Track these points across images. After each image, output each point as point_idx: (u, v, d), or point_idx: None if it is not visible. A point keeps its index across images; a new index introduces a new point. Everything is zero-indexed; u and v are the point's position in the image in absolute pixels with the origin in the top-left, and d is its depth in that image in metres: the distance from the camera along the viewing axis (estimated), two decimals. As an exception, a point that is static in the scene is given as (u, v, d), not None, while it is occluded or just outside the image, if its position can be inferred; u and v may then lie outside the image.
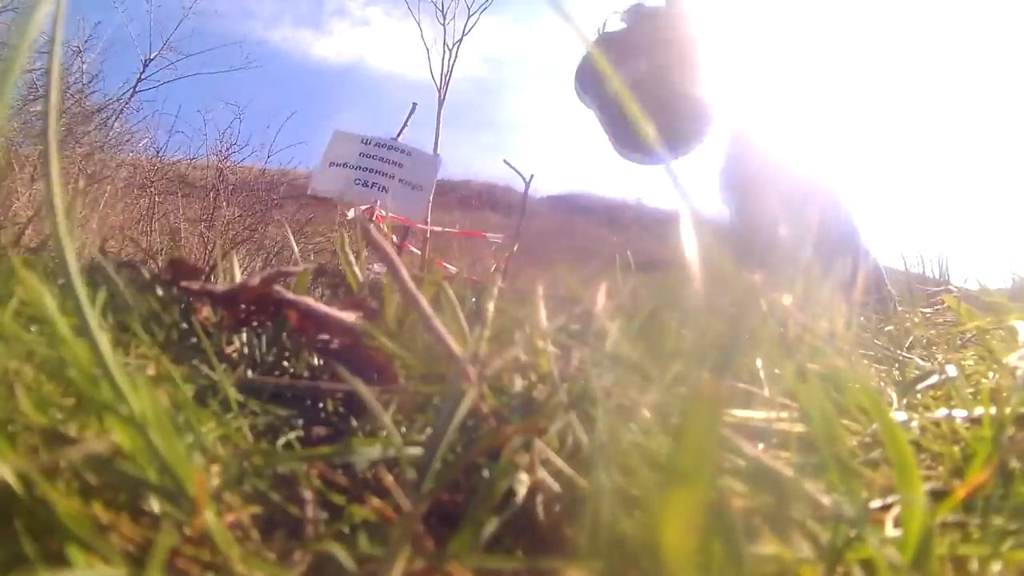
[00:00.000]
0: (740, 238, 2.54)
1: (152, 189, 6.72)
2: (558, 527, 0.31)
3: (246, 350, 0.56)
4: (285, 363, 0.54)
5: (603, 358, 0.46)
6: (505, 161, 3.28)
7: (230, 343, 0.56)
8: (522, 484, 0.32)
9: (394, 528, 0.27)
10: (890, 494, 0.34)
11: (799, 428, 0.39)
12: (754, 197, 2.57)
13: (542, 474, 0.33)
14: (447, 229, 3.58)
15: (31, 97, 5.33)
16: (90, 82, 7.40)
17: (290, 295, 0.51)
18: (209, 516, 0.26)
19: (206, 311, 0.63)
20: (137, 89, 8.21)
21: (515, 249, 2.82)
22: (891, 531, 0.30)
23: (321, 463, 0.33)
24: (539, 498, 0.32)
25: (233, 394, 0.41)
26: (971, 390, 0.56)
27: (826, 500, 0.28)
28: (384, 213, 0.84)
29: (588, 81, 2.61)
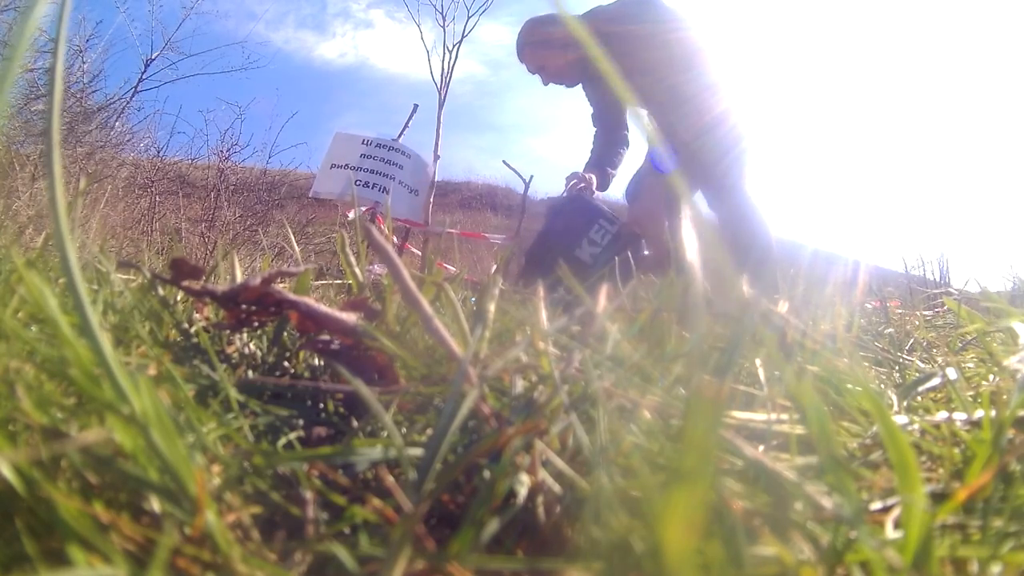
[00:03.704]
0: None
1: (153, 189, 6.72)
2: (559, 528, 0.31)
3: (247, 350, 0.56)
4: (286, 363, 0.55)
5: (604, 360, 0.46)
6: (504, 162, 3.31)
7: (231, 343, 0.56)
8: (523, 485, 0.32)
9: (395, 528, 0.27)
10: (891, 496, 0.34)
11: (799, 430, 0.39)
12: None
13: (543, 475, 0.33)
14: (448, 230, 3.58)
15: (32, 96, 5.34)
16: (91, 81, 7.41)
17: (291, 295, 0.51)
18: (210, 516, 0.26)
19: (207, 311, 0.63)
20: (138, 89, 8.22)
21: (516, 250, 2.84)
22: (892, 533, 0.30)
23: (322, 463, 0.33)
24: (540, 499, 0.32)
25: (234, 394, 0.41)
26: (971, 393, 0.56)
27: (826, 502, 0.28)
28: (385, 213, 0.84)
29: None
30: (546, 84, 2.85)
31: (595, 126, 2.98)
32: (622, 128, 2.94)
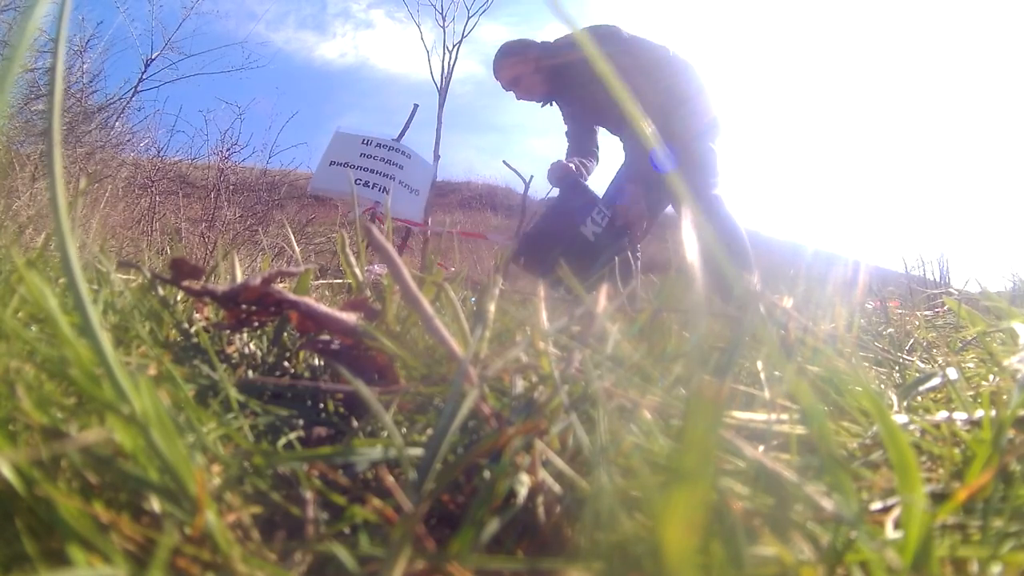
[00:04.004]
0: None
1: (153, 189, 6.72)
2: (559, 528, 0.31)
3: (247, 350, 0.56)
4: (286, 363, 0.55)
5: (604, 360, 0.46)
6: (505, 163, 3.40)
7: (231, 343, 0.56)
8: (523, 485, 0.32)
9: (395, 528, 0.27)
10: (891, 496, 0.34)
11: (799, 430, 0.39)
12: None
13: (543, 475, 0.33)
14: (448, 229, 3.59)
15: (32, 96, 5.34)
16: (91, 81, 7.42)
17: (291, 295, 0.51)
18: (210, 516, 0.26)
19: (207, 311, 0.63)
20: (138, 89, 8.24)
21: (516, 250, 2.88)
22: (892, 533, 0.30)
23: (322, 463, 0.33)
24: (540, 499, 0.32)
25: (234, 394, 0.41)
26: (971, 393, 0.56)
27: (826, 502, 0.28)
28: (385, 212, 0.84)
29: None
30: (519, 99, 2.99)
31: (568, 142, 3.11)
32: (593, 145, 3.09)
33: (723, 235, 2.57)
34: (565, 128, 3.09)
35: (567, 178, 2.89)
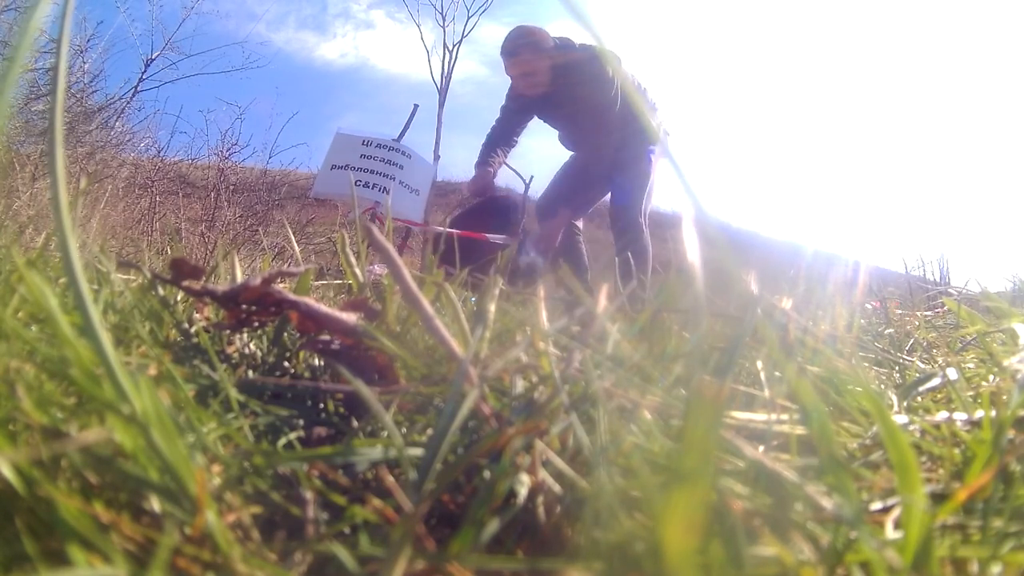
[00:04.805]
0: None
1: (153, 189, 6.72)
2: (559, 528, 0.31)
3: (247, 350, 0.56)
4: (286, 363, 0.55)
5: (604, 360, 0.46)
6: (505, 163, 3.46)
7: (231, 343, 0.56)
8: (523, 485, 0.32)
9: (395, 528, 0.27)
10: (891, 496, 0.34)
11: (799, 430, 0.39)
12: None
13: (543, 475, 0.33)
14: (449, 230, 3.61)
15: (32, 96, 5.34)
16: (92, 81, 7.42)
17: (291, 295, 0.51)
18: (210, 516, 0.26)
19: (207, 311, 0.63)
20: (139, 89, 8.24)
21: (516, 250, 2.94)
22: (892, 533, 0.30)
23: (322, 463, 0.33)
24: (540, 499, 0.32)
25: (234, 394, 0.41)
26: (971, 393, 0.56)
27: (826, 502, 0.28)
28: (385, 212, 0.84)
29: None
30: (516, 84, 3.17)
31: (500, 123, 3.44)
32: (516, 135, 3.48)
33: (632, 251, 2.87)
34: (504, 106, 3.38)
35: (488, 189, 3.34)
